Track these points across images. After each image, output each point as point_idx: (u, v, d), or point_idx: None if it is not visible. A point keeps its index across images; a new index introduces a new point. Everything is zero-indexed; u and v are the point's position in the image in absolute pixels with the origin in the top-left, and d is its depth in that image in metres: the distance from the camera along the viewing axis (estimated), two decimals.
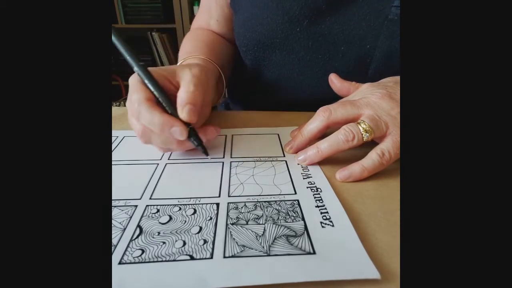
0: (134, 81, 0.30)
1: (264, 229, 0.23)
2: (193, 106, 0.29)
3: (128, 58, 0.31)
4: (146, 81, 0.30)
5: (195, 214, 0.25)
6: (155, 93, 0.30)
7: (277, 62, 0.46)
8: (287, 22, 0.41)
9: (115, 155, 0.33)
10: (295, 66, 0.45)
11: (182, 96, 0.29)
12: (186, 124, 0.29)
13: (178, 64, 0.42)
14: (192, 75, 0.31)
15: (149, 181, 0.29)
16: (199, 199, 0.26)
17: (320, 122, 0.32)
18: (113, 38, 0.30)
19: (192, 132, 0.30)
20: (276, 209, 0.25)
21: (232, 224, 0.24)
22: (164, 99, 0.30)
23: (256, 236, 0.22)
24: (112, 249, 0.21)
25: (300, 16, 0.40)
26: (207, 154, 0.32)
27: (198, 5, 0.61)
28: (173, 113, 0.30)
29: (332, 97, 0.37)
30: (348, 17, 0.40)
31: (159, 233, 0.23)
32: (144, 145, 0.36)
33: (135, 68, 0.30)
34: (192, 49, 0.45)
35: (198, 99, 0.30)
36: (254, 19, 0.43)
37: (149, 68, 0.31)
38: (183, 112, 0.29)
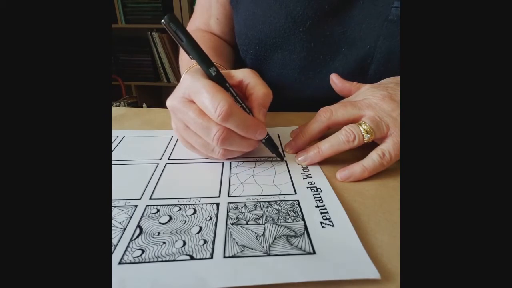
0: (203, 80, 0.27)
1: (264, 229, 0.23)
2: (265, 108, 0.30)
3: (199, 60, 0.28)
4: (220, 81, 0.28)
5: (195, 214, 0.25)
6: (233, 94, 0.29)
7: (278, 61, 0.46)
8: (290, 22, 0.41)
9: (115, 155, 0.33)
10: (296, 66, 0.45)
11: (260, 97, 0.30)
12: None
13: (186, 71, 0.41)
14: (258, 77, 0.31)
15: (149, 181, 0.29)
16: (199, 199, 0.26)
17: (321, 122, 0.32)
18: (178, 30, 0.28)
19: (269, 135, 0.31)
20: (276, 209, 0.25)
21: (232, 224, 0.24)
22: (242, 102, 0.29)
23: (256, 236, 0.22)
24: (112, 249, 0.21)
25: (303, 17, 0.40)
26: (282, 159, 0.33)
27: None
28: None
29: (333, 98, 0.37)
30: (349, 19, 0.40)
31: (159, 233, 0.23)
32: (144, 145, 0.36)
33: (209, 69, 0.28)
34: None
35: (270, 101, 0.31)
36: (256, 18, 0.43)
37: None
38: (260, 114, 0.29)
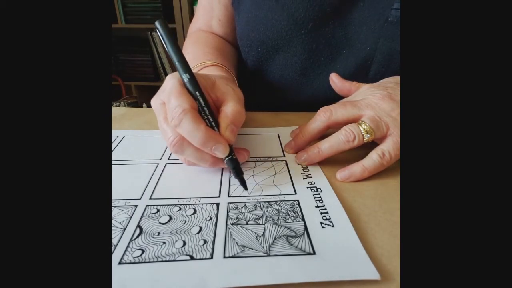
0: (175, 83, 0.27)
1: (264, 229, 0.23)
2: (236, 127, 0.28)
3: (174, 59, 0.28)
4: (191, 88, 0.27)
5: (195, 214, 0.25)
6: (201, 103, 0.27)
7: (280, 63, 0.46)
8: (292, 25, 0.41)
9: (115, 155, 0.33)
10: (297, 68, 0.45)
11: (229, 114, 0.27)
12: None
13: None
14: (238, 93, 0.30)
15: (149, 181, 0.29)
16: (199, 199, 0.26)
17: (320, 122, 0.32)
18: (162, 33, 0.28)
19: (231, 153, 0.28)
20: (276, 209, 0.25)
21: (232, 224, 0.24)
22: (210, 112, 0.27)
23: (256, 236, 0.22)
24: (112, 249, 0.21)
25: (305, 19, 0.40)
26: (245, 188, 0.28)
27: None
28: (214, 128, 0.27)
29: (333, 98, 0.37)
30: (350, 21, 0.41)
31: (159, 233, 0.23)
32: (144, 145, 0.36)
33: (183, 74, 0.28)
34: (201, 55, 0.44)
35: (242, 121, 0.28)
36: (258, 20, 0.43)
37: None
38: (226, 130, 0.27)
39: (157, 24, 0.28)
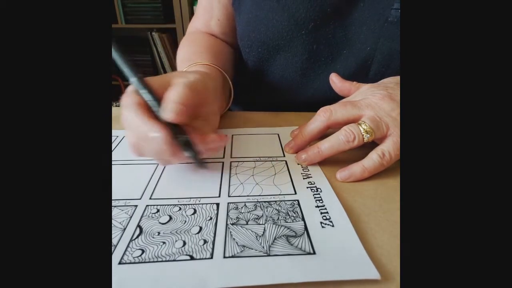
0: (129, 90, 0.27)
1: (264, 229, 0.23)
2: (179, 105, 0.25)
3: (123, 68, 0.27)
4: (138, 87, 0.26)
5: (195, 214, 0.25)
6: (145, 98, 0.26)
7: (280, 63, 0.46)
8: (293, 25, 0.41)
9: (115, 155, 0.33)
10: (298, 68, 0.45)
11: (168, 95, 0.26)
12: (180, 133, 0.26)
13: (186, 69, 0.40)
14: (187, 78, 0.28)
15: (149, 181, 0.29)
16: (199, 199, 0.26)
17: (320, 122, 0.32)
18: (113, 50, 0.26)
19: (186, 141, 0.26)
20: (276, 209, 0.25)
21: (232, 224, 0.24)
22: (154, 104, 0.26)
23: (256, 236, 0.22)
24: (112, 249, 0.21)
25: (306, 19, 0.40)
26: (204, 167, 0.29)
27: None
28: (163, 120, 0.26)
29: (333, 98, 0.37)
30: (351, 21, 0.41)
31: (159, 233, 0.23)
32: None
33: (131, 78, 0.26)
34: (193, 55, 0.44)
35: (187, 99, 0.26)
36: (258, 20, 0.43)
37: (147, 78, 0.27)
38: (165, 110, 0.25)
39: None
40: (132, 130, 0.26)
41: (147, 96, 0.26)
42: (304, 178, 0.30)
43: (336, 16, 0.40)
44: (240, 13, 0.46)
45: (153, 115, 0.26)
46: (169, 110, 0.25)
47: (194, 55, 0.44)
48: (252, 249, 0.21)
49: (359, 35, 0.41)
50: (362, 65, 0.43)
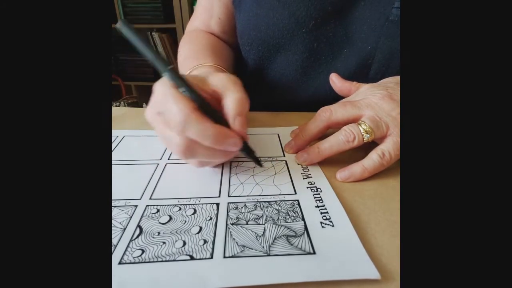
0: (167, 89, 0.26)
1: (264, 229, 0.23)
2: (243, 117, 0.27)
3: (155, 63, 0.27)
4: (184, 90, 0.26)
5: (195, 214, 0.25)
6: (199, 103, 0.26)
7: (281, 62, 0.46)
8: (293, 23, 0.41)
9: (115, 155, 0.33)
10: (298, 67, 0.45)
11: (232, 106, 0.27)
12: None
13: (187, 73, 0.39)
14: (234, 79, 0.28)
15: (149, 181, 0.29)
16: (199, 199, 0.26)
17: (320, 122, 0.32)
18: (139, 44, 0.26)
19: (245, 143, 0.28)
20: (276, 209, 0.25)
21: (232, 224, 0.24)
22: (210, 109, 0.26)
23: (256, 236, 0.22)
24: (112, 249, 0.21)
25: (306, 18, 0.40)
26: (260, 165, 0.30)
27: None
28: (221, 124, 0.26)
29: (333, 98, 0.37)
30: (351, 19, 0.41)
31: (159, 233, 0.23)
32: (144, 145, 0.36)
33: (167, 75, 0.26)
34: (197, 53, 0.44)
35: (246, 107, 0.27)
36: (259, 19, 0.43)
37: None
38: (235, 122, 0.26)
39: (122, 26, 0.26)
40: (196, 136, 0.25)
41: (188, 95, 0.26)
42: (304, 178, 0.30)
43: (336, 14, 0.40)
44: (241, 11, 0.46)
45: (205, 116, 0.25)
46: (239, 124, 0.27)
47: (197, 53, 0.44)
48: (252, 249, 0.21)
49: (359, 34, 0.41)
50: (362, 64, 0.43)
